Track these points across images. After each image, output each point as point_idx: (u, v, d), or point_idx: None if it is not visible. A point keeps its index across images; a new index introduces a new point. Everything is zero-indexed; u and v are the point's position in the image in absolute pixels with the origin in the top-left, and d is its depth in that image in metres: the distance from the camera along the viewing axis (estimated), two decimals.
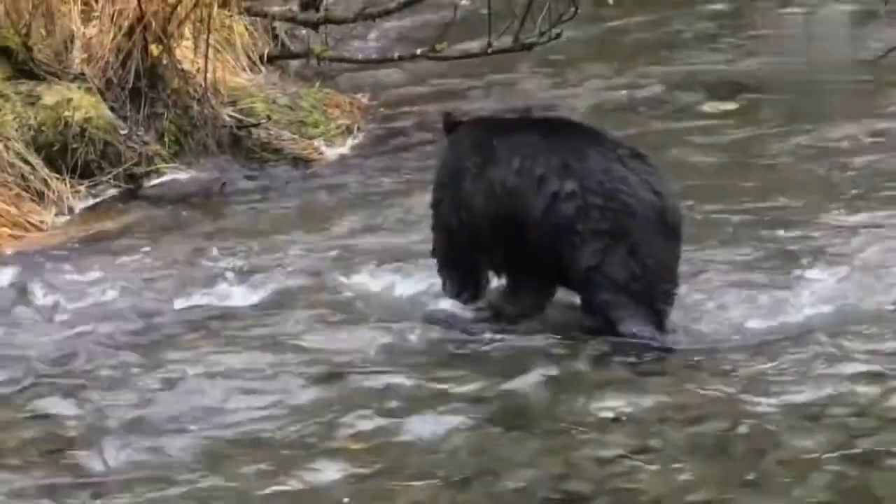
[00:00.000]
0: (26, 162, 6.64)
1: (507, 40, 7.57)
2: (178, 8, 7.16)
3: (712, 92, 8.00)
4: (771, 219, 6.01)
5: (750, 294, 5.25)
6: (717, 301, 5.21)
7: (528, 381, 4.67)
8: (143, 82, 7.09)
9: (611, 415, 4.41)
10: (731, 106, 7.75)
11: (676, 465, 4.07)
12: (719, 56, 8.73)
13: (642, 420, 4.35)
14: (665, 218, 4.98)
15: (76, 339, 5.21)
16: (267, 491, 4.07)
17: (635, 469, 4.08)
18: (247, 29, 8.01)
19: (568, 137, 5.14)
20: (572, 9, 7.41)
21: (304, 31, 8.65)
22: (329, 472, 4.16)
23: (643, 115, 7.69)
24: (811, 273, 5.42)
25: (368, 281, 5.54)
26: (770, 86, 8.08)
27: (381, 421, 4.44)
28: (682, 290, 5.12)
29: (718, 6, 9.88)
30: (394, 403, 4.56)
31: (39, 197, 6.60)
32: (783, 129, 7.26)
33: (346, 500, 4.01)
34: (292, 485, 4.10)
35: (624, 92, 8.04)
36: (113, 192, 6.83)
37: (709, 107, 7.76)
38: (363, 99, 8.13)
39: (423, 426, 4.39)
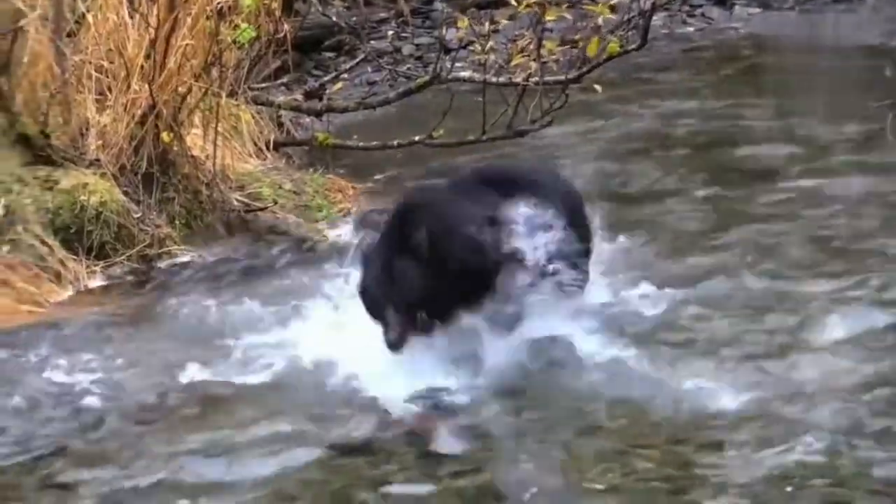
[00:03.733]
0: (44, 243, 6.76)
1: (502, 127, 7.78)
2: (188, 97, 7.35)
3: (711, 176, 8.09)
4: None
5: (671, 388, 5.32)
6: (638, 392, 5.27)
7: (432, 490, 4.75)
8: (155, 168, 7.24)
9: None
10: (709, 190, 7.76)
11: None
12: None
13: None
14: None
15: (89, 412, 5.35)
16: None
17: None
18: (253, 117, 8.20)
19: None
20: (563, 97, 7.65)
21: (308, 119, 8.89)
22: None
23: (624, 199, 7.78)
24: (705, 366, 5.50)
25: (371, 358, 5.55)
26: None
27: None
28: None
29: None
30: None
31: (56, 277, 6.71)
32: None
33: None
34: None
35: (617, 180, 8.14)
36: (126, 271, 6.95)
37: (703, 192, 7.75)
38: (369, 182, 8.29)
39: None
